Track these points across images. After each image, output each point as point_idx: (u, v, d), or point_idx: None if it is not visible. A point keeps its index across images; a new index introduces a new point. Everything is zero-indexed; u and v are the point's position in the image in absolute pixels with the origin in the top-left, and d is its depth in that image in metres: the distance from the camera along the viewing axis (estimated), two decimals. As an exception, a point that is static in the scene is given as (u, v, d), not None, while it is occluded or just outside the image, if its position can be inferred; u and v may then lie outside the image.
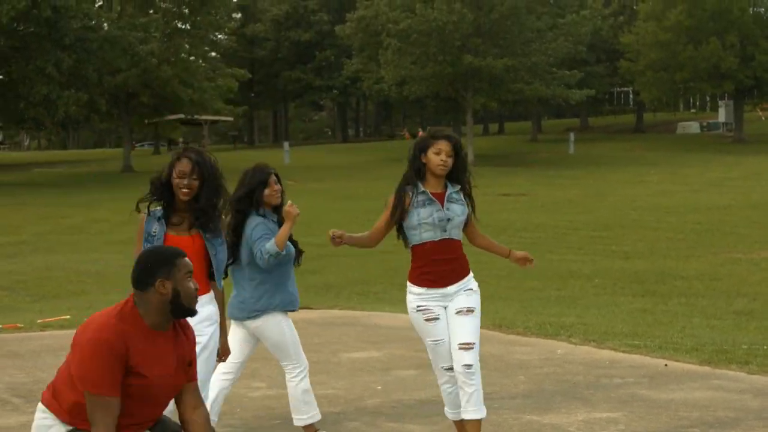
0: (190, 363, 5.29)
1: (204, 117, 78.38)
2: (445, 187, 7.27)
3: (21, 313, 16.91)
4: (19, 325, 14.74)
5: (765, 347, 12.09)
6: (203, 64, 70.55)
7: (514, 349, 12.21)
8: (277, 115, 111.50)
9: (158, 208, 6.82)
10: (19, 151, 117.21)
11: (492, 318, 14.15)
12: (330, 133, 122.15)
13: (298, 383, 7.97)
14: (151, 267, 5.09)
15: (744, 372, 10.69)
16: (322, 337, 13.14)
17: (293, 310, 8.03)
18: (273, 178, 7.88)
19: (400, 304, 14.35)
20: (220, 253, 6.91)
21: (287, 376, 8.03)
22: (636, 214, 35.40)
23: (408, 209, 7.18)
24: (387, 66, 66.95)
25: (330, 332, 13.55)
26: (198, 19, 68.20)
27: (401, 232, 7.32)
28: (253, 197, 7.77)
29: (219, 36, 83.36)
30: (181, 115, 73.92)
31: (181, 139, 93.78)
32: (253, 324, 7.92)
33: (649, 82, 72.49)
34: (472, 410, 7.17)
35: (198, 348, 6.62)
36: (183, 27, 69.38)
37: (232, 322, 8.05)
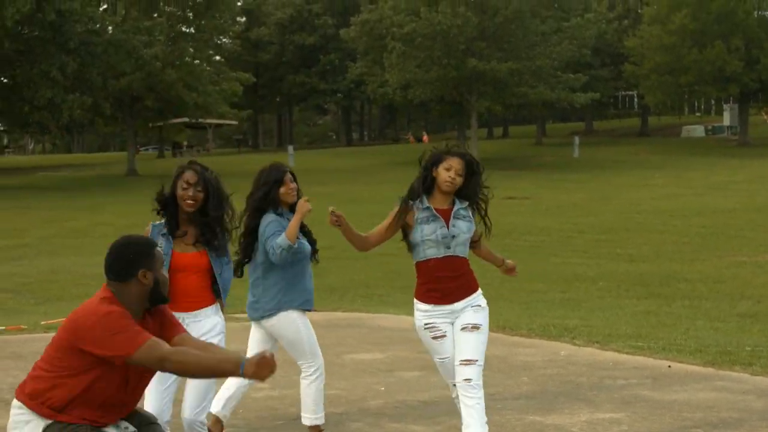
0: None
1: (208, 121, 78.49)
2: (453, 203, 7.12)
3: (25, 315, 16.92)
4: (22, 326, 14.75)
5: (769, 349, 12.09)
6: (208, 68, 70.53)
7: (517, 351, 12.20)
8: (282, 118, 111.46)
9: (161, 221, 6.83)
10: (23, 155, 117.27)
11: (496, 320, 14.10)
12: (334, 136, 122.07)
13: (312, 382, 7.93)
14: (133, 258, 5.11)
15: (747, 373, 10.69)
16: (325, 338, 13.08)
17: (309, 310, 7.97)
18: (288, 176, 7.87)
19: (404, 307, 14.36)
20: (225, 272, 6.94)
21: (302, 375, 7.99)
22: (641, 217, 35.36)
23: (411, 224, 7.06)
24: (391, 69, 66.99)
25: (334, 334, 13.53)
26: (202, 22, 68.28)
27: (407, 243, 7.20)
28: (269, 196, 7.77)
29: (223, 40, 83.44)
30: (186, 119, 74.02)
31: (185, 143, 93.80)
32: (268, 323, 7.90)
33: (654, 86, 72.40)
34: (474, 426, 6.88)
35: None
36: (187, 31, 69.50)
37: (251, 323, 8.07)
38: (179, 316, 6.71)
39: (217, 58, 79.22)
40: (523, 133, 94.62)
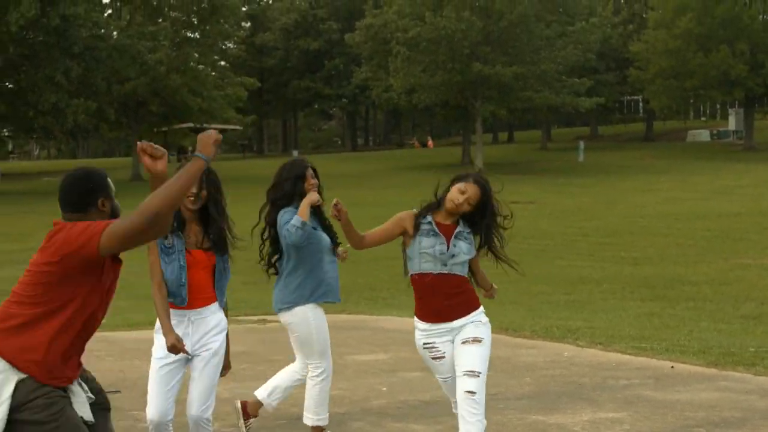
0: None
1: (213, 126, 78.39)
2: (457, 222, 6.93)
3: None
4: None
5: (773, 350, 12.06)
6: (212, 73, 70.62)
7: (520, 352, 12.19)
8: (287, 124, 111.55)
9: None
10: (29, 160, 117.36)
11: (500, 322, 14.10)
12: (339, 142, 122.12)
13: (317, 383, 7.92)
14: (93, 188, 5.10)
15: (751, 374, 10.67)
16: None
17: (328, 302, 7.94)
18: (310, 171, 7.86)
19: (408, 309, 14.33)
20: (226, 271, 6.95)
21: (309, 374, 7.98)
22: (645, 221, 35.33)
23: (411, 234, 6.91)
24: (396, 74, 66.95)
25: (337, 335, 13.45)
26: (207, 28, 68.32)
27: (404, 256, 7.05)
28: (290, 191, 7.74)
29: (228, 45, 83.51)
30: (191, 124, 74.00)
31: (190, 148, 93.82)
32: (283, 317, 7.91)
33: (659, 90, 72.36)
34: None
35: (208, 354, 6.77)
36: (192, 36, 69.54)
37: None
38: (183, 313, 6.72)
39: (222, 63, 79.31)
40: (528, 138, 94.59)
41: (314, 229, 7.74)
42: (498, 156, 73.03)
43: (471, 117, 69.80)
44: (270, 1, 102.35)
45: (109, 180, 5.20)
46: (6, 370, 4.86)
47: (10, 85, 60.04)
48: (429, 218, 6.89)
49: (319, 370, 7.92)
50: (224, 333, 6.88)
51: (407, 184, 51.08)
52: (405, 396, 9.69)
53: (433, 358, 6.98)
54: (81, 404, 5.09)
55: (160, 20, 67.43)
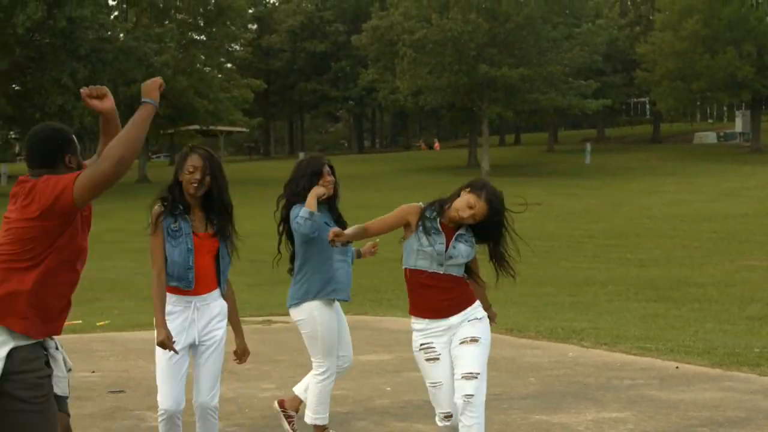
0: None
1: (220, 128, 78.51)
2: (459, 226, 6.79)
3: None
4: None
5: (778, 350, 12.05)
6: (219, 75, 70.66)
7: (525, 352, 12.18)
8: (293, 126, 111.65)
9: (164, 205, 6.81)
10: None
11: (504, 322, 14.09)
12: (346, 144, 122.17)
13: (319, 382, 7.88)
14: (61, 143, 5.22)
15: (755, 374, 10.66)
16: (332, 340, 13.12)
17: (337, 299, 7.88)
18: (326, 168, 7.86)
19: (412, 309, 14.33)
20: (228, 256, 6.94)
21: (312, 372, 7.96)
22: (651, 223, 35.32)
23: (412, 228, 6.77)
24: (402, 76, 66.94)
25: (341, 336, 13.51)
26: (214, 30, 68.40)
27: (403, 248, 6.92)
28: (306, 187, 7.73)
29: (235, 47, 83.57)
30: (197, 126, 74.05)
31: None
32: (292, 313, 7.91)
33: (666, 92, 72.25)
34: None
35: (214, 342, 6.79)
36: (198, 38, 69.60)
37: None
38: (189, 299, 6.72)
39: (229, 65, 79.34)
40: (535, 140, 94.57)
41: (326, 224, 7.69)
42: (504, 158, 73.03)
43: (477, 119, 69.80)
44: (276, 3, 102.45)
45: (74, 136, 5.35)
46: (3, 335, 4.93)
47: (17, 87, 60.12)
48: (434, 215, 6.78)
49: (322, 369, 7.88)
50: (226, 320, 6.88)
51: (414, 186, 51.10)
52: (409, 396, 9.69)
53: (428, 360, 6.83)
54: (60, 379, 5.26)
55: (167, 22, 67.53)
